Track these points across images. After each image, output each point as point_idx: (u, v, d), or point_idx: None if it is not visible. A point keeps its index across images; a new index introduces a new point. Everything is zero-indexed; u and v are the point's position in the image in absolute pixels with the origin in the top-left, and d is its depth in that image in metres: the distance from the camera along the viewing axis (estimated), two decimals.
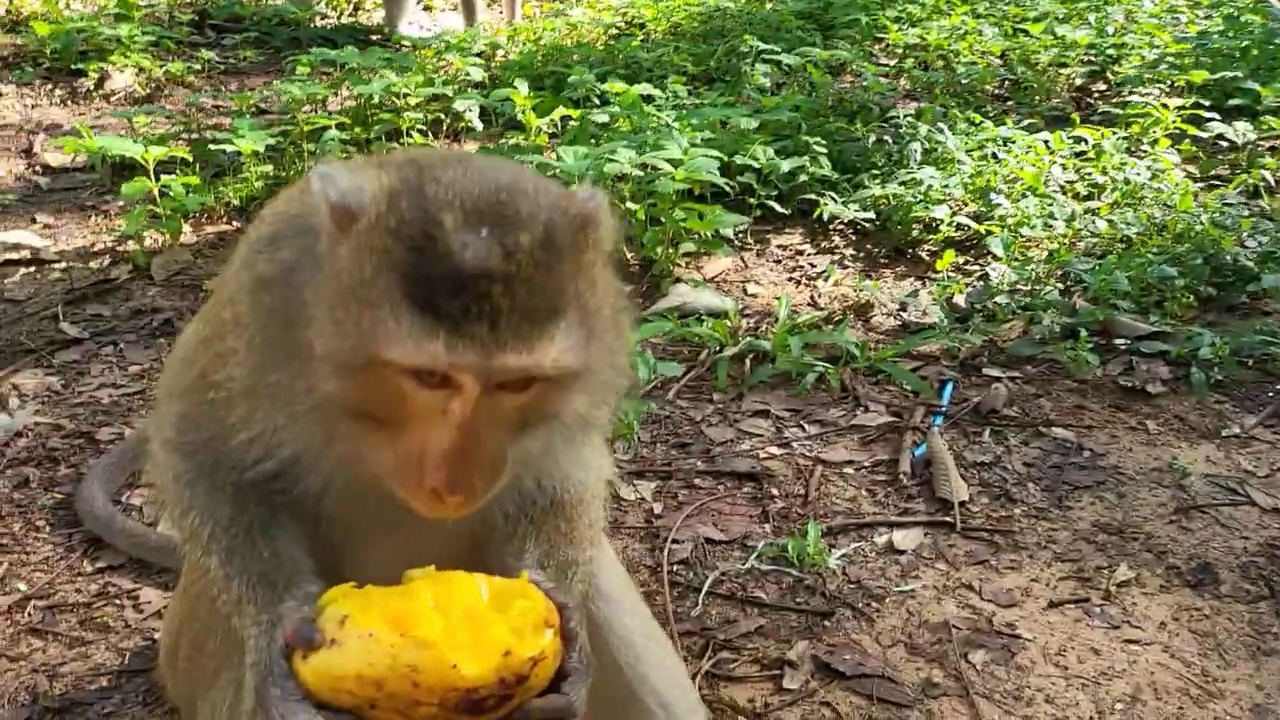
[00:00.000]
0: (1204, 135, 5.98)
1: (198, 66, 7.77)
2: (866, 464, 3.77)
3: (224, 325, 1.85)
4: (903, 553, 3.36)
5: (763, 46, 7.03)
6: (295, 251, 1.78)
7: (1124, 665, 2.94)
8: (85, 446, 3.84)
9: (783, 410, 4.06)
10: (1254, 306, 4.61)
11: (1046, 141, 5.71)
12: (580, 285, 1.68)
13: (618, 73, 6.86)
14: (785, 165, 5.37)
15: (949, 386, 4.15)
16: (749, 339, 4.36)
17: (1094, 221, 5.13)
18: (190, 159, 5.63)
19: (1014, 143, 5.68)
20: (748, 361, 4.29)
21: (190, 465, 1.96)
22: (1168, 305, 4.50)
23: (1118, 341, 4.31)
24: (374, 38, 8.64)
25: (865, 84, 6.65)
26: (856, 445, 3.87)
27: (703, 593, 3.20)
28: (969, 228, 5.17)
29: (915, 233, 5.19)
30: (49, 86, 7.43)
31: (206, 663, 2.12)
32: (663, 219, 4.95)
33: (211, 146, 5.87)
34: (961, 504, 3.53)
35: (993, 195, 5.26)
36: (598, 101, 6.36)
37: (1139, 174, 5.44)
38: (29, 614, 3.12)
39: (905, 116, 6.06)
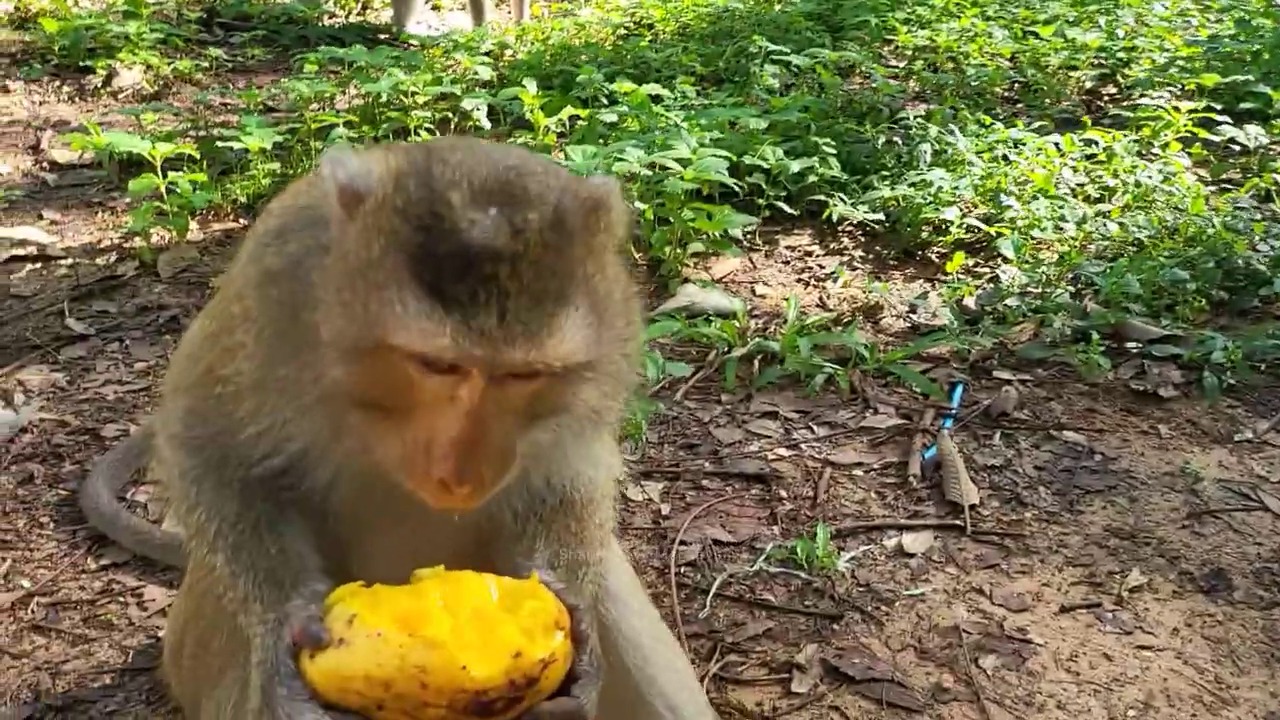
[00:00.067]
0: (1215, 139, 5.95)
1: (206, 64, 7.77)
2: (876, 466, 3.75)
3: (232, 320, 1.84)
4: (912, 556, 3.34)
5: (772, 47, 7.00)
6: (303, 244, 1.77)
7: (1136, 671, 2.92)
8: (90, 443, 3.82)
9: (791, 411, 4.04)
10: (1266, 310, 4.59)
11: (1057, 144, 5.68)
12: (590, 270, 1.65)
13: (626, 73, 6.83)
14: (794, 166, 5.35)
15: (959, 389, 4.12)
16: (757, 340, 4.34)
17: (1105, 224, 5.10)
18: (198, 156, 5.61)
19: (1024, 145, 5.65)
20: (756, 362, 4.27)
21: (197, 461, 1.94)
22: (1179, 309, 4.48)
23: (1129, 345, 4.29)
24: (382, 36, 8.63)
25: (875, 85, 6.63)
26: (866, 447, 3.85)
27: (710, 595, 3.18)
28: (979, 230, 5.14)
29: (925, 234, 5.16)
30: (57, 83, 7.42)
31: (211, 661, 2.10)
32: (671, 219, 4.92)
33: (219, 144, 5.86)
34: (972, 507, 3.51)
35: (1003, 197, 5.23)
36: (606, 101, 6.33)
37: (1150, 177, 5.43)
38: (32, 611, 3.11)
39: (915, 118, 6.04)
